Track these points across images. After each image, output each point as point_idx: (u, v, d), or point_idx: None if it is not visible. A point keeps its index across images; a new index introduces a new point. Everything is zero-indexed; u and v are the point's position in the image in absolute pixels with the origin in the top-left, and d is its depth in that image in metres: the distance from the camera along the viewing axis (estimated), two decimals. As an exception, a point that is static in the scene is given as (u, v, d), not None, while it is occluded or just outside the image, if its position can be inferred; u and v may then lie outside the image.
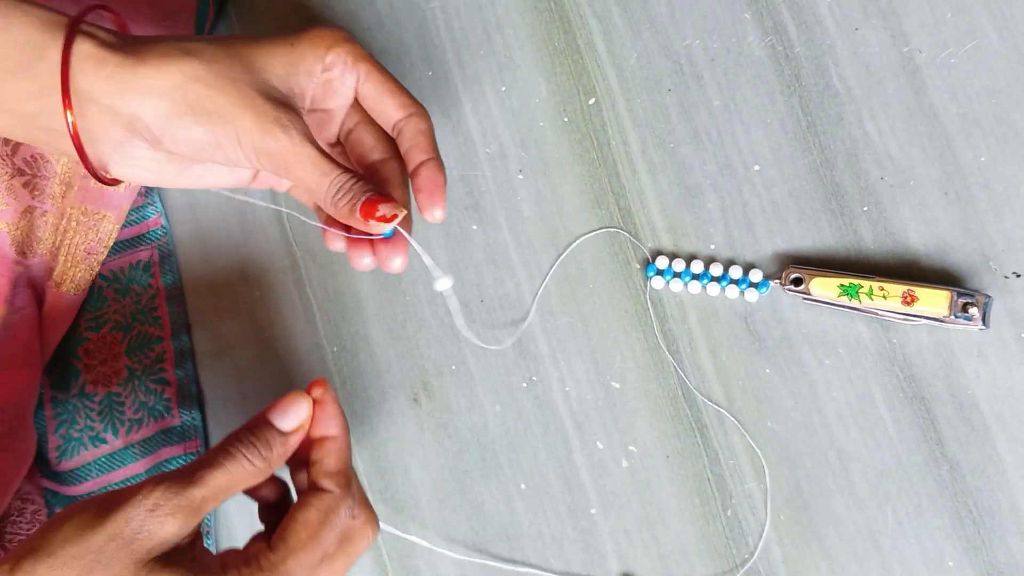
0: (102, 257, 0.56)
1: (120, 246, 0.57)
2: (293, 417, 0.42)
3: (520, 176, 0.55)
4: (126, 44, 0.43)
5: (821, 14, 0.53)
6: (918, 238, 0.51)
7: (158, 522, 0.38)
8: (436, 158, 0.46)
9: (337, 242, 0.46)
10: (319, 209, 0.47)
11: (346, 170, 0.43)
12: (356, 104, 0.47)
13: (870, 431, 0.50)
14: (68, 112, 0.42)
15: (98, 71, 0.42)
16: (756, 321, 0.52)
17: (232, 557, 0.39)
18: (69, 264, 0.55)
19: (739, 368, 0.52)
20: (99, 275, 0.56)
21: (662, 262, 0.53)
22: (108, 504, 0.38)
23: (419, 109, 0.46)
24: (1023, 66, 0.51)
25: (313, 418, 0.43)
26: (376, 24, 0.57)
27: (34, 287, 0.54)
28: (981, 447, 0.49)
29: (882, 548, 0.49)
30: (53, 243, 0.55)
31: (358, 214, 0.42)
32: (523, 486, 0.52)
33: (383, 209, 0.42)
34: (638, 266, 0.53)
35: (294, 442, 0.42)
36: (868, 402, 0.50)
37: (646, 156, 0.54)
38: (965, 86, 0.52)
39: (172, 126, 0.42)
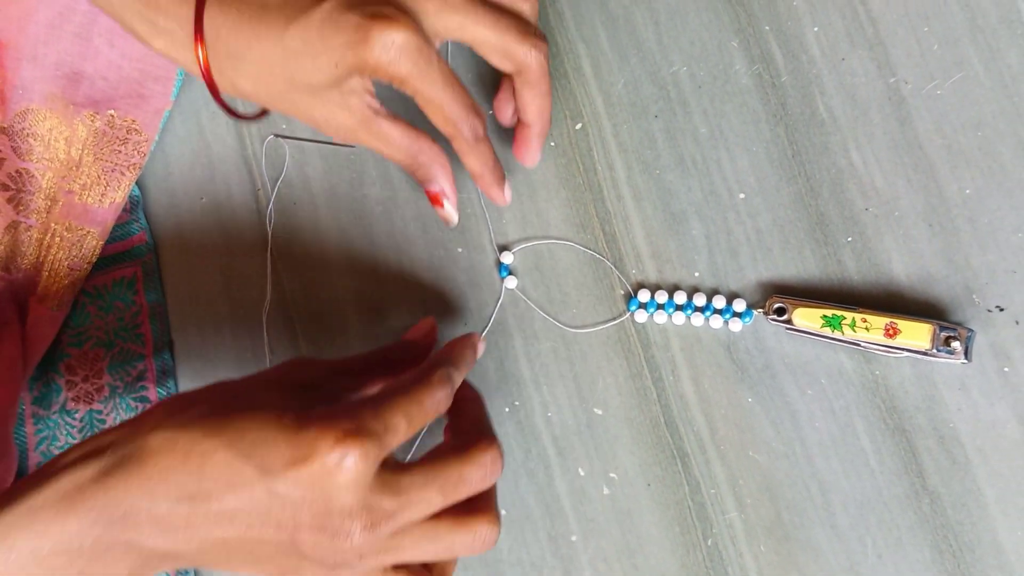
0: (86, 273, 0.55)
1: (104, 262, 0.56)
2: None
3: (506, 200, 0.55)
4: None
5: (808, 43, 0.53)
6: (902, 269, 0.51)
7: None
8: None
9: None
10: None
11: (422, 143, 0.48)
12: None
13: (851, 462, 0.50)
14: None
15: None
16: (739, 350, 0.52)
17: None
18: (52, 280, 0.55)
19: (721, 397, 0.51)
20: (83, 291, 0.56)
21: (644, 295, 0.52)
22: None
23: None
24: (1009, 99, 0.51)
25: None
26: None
27: (17, 302, 0.54)
28: (962, 481, 0.49)
29: (862, 580, 0.49)
30: (37, 258, 0.55)
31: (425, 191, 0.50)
32: (504, 512, 0.52)
33: (445, 212, 0.51)
34: (622, 292, 0.53)
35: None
36: (850, 433, 0.50)
37: (631, 182, 0.54)
38: (951, 118, 0.52)
39: None
